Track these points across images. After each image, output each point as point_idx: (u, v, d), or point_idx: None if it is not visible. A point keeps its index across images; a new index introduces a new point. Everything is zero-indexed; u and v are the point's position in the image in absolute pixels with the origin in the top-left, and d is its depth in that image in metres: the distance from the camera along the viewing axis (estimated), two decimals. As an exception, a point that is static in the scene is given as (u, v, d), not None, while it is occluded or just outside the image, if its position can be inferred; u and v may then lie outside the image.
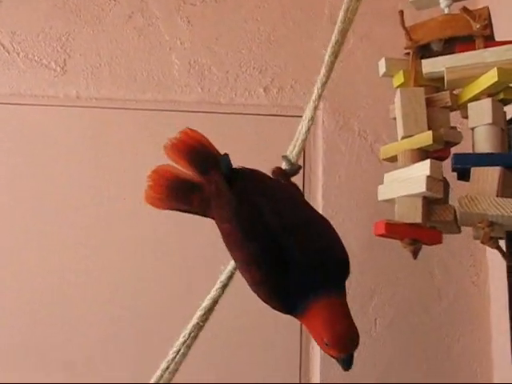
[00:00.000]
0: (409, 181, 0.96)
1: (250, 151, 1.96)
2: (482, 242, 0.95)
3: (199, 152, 0.88)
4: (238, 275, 0.89)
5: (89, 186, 1.97)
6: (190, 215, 0.90)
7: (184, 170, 0.88)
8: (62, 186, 1.96)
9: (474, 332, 1.94)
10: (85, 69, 2.04)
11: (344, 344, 0.79)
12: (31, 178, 1.96)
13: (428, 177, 0.93)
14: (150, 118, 1.99)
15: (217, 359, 1.88)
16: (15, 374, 1.84)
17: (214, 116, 2.00)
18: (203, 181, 0.87)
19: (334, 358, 0.80)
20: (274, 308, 0.84)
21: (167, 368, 1.00)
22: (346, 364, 0.79)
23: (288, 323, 1.84)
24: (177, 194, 0.88)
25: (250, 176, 0.88)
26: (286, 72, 2.06)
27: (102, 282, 1.92)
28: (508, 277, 1.80)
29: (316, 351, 1.90)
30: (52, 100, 2.01)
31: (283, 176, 0.96)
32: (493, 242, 0.95)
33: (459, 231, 1.00)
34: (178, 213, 0.90)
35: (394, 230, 0.95)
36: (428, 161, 0.95)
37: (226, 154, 0.87)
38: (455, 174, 1.01)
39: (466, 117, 1.06)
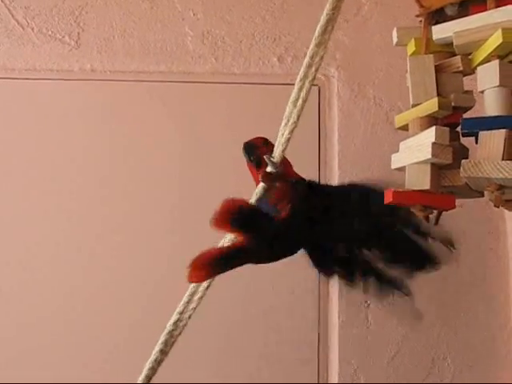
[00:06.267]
0: (417, 148, 0.96)
1: (265, 121, 1.94)
2: (496, 206, 0.94)
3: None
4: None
5: (104, 158, 1.98)
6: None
7: None
8: (78, 159, 1.97)
9: (492, 299, 1.94)
10: (98, 42, 2.03)
11: None
12: (47, 152, 1.98)
13: (433, 143, 0.92)
14: (165, 90, 1.99)
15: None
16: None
17: (228, 86, 1.99)
18: None
19: None
20: None
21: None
22: None
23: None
24: None
25: None
26: (300, 41, 2.03)
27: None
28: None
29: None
30: (67, 74, 2.01)
31: (275, 179, 1.01)
32: (509, 204, 0.94)
33: (481, 195, 1.00)
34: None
35: (401, 197, 0.95)
36: (433, 127, 0.94)
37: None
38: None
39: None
